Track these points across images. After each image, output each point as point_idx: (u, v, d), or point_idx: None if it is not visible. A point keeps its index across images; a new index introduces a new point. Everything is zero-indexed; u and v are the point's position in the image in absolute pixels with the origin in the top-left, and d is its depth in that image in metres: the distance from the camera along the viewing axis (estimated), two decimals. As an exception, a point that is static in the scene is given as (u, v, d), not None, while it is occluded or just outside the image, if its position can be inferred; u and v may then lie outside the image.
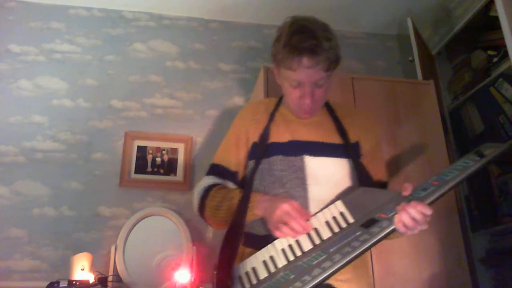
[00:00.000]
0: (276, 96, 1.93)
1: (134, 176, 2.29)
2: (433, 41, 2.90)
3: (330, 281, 0.98)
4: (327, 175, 1.10)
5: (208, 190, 1.15)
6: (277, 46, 1.10)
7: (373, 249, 1.74)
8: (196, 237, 2.15)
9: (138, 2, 2.66)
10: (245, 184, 1.13)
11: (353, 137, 1.17)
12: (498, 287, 2.27)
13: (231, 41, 2.75)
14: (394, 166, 1.92)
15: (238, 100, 2.59)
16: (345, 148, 1.14)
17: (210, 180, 1.19)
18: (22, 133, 2.29)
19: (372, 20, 2.86)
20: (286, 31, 1.08)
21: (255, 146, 1.16)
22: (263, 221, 1.07)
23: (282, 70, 1.10)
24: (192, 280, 1.83)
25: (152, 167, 2.33)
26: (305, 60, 1.04)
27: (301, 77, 1.06)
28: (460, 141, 2.63)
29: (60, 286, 1.71)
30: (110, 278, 1.94)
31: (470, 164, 0.96)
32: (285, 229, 0.96)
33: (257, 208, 1.05)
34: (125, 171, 2.28)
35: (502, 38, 1.99)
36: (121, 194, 2.25)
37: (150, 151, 2.36)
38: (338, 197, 1.05)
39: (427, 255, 1.81)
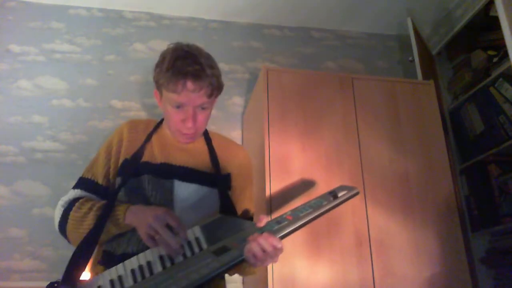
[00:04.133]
0: (274, 97, 1.93)
1: (134, 176, 2.29)
2: (433, 41, 2.90)
3: None
4: (194, 202, 1.10)
5: (73, 202, 1.10)
6: (159, 70, 1.09)
7: (373, 248, 1.76)
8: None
9: (138, 2, 2.66)
10: (109, 200, 1.07)
11: (224, 169, 1.19)
12: (498, 287, 2.27)
13: (231, 41, 2.75)
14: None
15: (238, 100, 2.59)
16: (215, 178, 1.15)
17: (76, 193, 1.14)
18: (22, 133, 2.29)
19: (372, 20, 2.86)
20: (169, 56, 1.08)
21: (125, 163, 1.13)
22: (121, 238, 1.04)
23: (165, 93, 1.09)
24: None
25: (152, 167, 2.32)
26: (189, 84, 1.05)
27: (184, 100, 1.06)
28: (460, 141, 2.63)
29: (60, 286, 1.71)
30: (110, 278, 1.94)
31: (324, 203, 1.02)
32: (158, 239, 0.93)
33: (126, 217, 1.00)
34: (125, 171, 2.28)
35: (502, 38, 1.99)
36: (121, 194, 2.25)
37: (150, 151, 2.36)
38: (197, 223, 1.04)
39: (427, 255, 1.81)
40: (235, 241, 0.95)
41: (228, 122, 2.50)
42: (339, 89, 2.05)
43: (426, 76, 2.37)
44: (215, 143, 1.23)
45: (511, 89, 2.24)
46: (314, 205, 1.02)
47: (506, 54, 2.07)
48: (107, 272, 0.94)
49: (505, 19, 1.93)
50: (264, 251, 0.90)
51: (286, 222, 0.96)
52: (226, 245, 0.94)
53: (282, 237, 0.94)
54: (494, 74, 2.33)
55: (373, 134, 1.99)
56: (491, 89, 2.36)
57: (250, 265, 0.97)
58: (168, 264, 0.94)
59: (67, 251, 2.16)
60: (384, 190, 1.88)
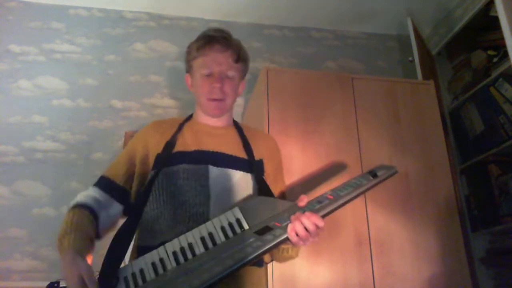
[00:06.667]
0: (274, 97, 1.93)
1: (134, 176, 2.29)
2: (433, 41, 2.90)
3: None
4: (229, 186, 1.11)
5: (75, 207, 1.06)
6: (190, 49, 1.24)
7: (373, 248, 1.76)
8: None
9: (138, 2, 2.66)
10: (142, 195, 1.09)
11: (257, 155, 1.21)
12: (498, 287, 2.27)
13: (231, 41, 2.75)
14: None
15: (238, 100, 2.55)
16: (250, 163, 1.17)
17: (92, 192, 1.12)
18: (22, 133, 2.29)
19: (372, 20, 2.86)
20: (201, 33, 1.25)
21: (158, 157, 1.13)
22: (153, 232, 1.05)
23: (195, 64, 1.20)
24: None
25: (152, 167, 2.33)
26: (216, 45, 1.18)
27: (211, 62, 1.17)
28: (460, 141, 2.63)
29: (60, 286, 1.71)
30: (110, 278, 1.94)
31: (363, 182, 1.03)
32: None
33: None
34: (125, 171, 2.28)
35: (502, 38, 1.99)
36: (121, 194, 2.25)
37: (150, 151, 2.36)
38: (236, 204, 1.05)
39: (427, 255, 1.81)
40: (277, 221, 0.96)
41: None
42: (339, 89, 2.05)
43: (426, 76, 2.37)
44: (246, 133, 1.27)
45: (511, 89, 2.24)
46: (354, 184, 1.02)
47: (506, 54, 2.07)
48: (149, 255, 0.94)
49: (505, 19, 1.93)
50: (307, 229, 0.92)
51: (327, 201, 0.98)
52: (268, 225, 0.95)
53: (324, 216, 0.95)
54: (494, 74, 2.33)
55: (373, 134, 1.99)
56: (491, 89, 2.36)
57: (290, 247, 0.99)
58: (210, 245, 0.94)
59: (67, 251, 2.15)
60: (384, 190, 1.88)
